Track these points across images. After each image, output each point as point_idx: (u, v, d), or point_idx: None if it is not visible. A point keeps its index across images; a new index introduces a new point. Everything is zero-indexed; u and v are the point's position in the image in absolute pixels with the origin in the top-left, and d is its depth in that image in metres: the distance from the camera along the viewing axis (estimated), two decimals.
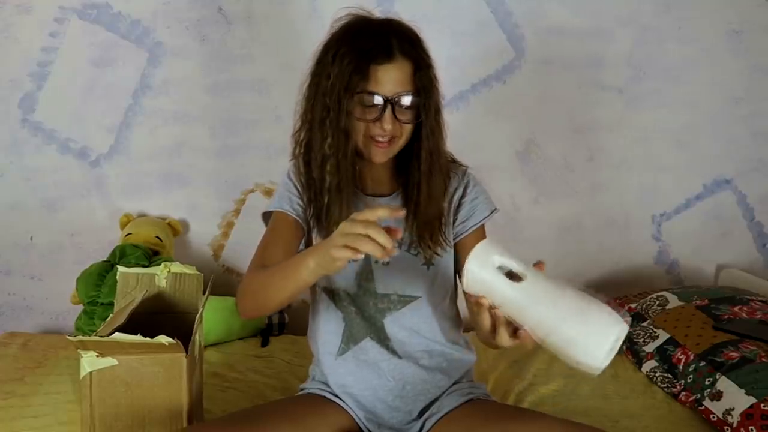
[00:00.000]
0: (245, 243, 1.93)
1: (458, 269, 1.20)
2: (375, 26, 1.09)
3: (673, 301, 1.74)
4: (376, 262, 1.14)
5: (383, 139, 1.08)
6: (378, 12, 1.13)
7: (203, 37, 1.88)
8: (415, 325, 1.16)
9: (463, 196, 1.21)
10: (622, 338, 0.80)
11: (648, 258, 2.12)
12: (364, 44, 1.05)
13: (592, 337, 0.79)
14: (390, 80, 1.05)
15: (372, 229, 0.83)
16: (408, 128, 1.09)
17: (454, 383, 1.20)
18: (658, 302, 1.75)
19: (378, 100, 1.05)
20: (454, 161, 1.23)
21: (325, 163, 1.09)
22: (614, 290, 1.99)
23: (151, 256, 1.80)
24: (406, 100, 1.06)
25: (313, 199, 1.14)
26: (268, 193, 1.96)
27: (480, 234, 1.20)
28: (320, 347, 1.20)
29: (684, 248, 2.11)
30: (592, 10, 1.94)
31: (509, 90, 1.96)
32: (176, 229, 1.94)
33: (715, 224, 2.10)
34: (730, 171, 2.08)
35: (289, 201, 1.15)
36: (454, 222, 1.20)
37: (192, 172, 1.96)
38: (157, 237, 1.85)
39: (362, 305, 1.15)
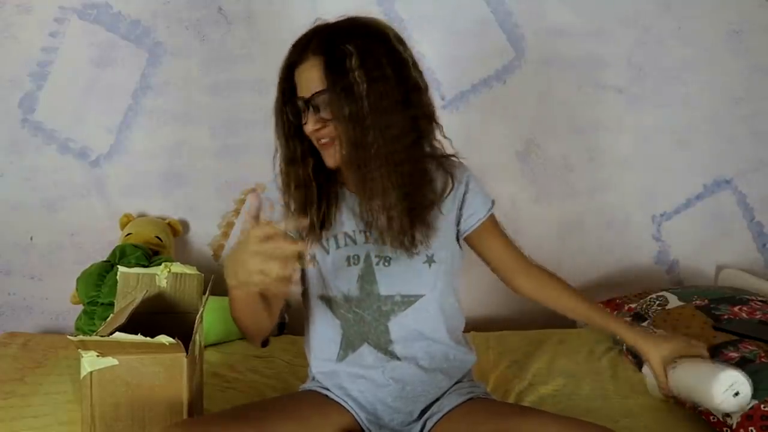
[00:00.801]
0: None
1: (483, 257, 1.29)
2: (308, 31, 1.09)
3: (673, 301, 1.73)
4: (377, 264, 1.14)
5: (323, 140, 1.07)
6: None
7: (203, 37, 1.88)
8: (419, 326, 1.15)
9: (466, 192, 1.21)
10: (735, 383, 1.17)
11: (648, 258, 2.12)
12: (291, 51, 1.08)
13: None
14: (305, 81, 1.05)
15: (263, 263, 0.84)
16: (343, 125, 1.03)
17: (455, 383, 1.20)
18: (658, 302, 1.75)
19: (300, 103, 1.07)
20: (445, 156, 1.20)
21: (286, 172, 1.12)
22: (614, 290, 1.99)
23: (151, 256, 1.80)
24: (319, 98, 1.04)
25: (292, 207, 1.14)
26: None
27: (492, 225, 1.24)
28: (318, 354, 1.20)
29: (684, 248, 2.11)
30: (592, 10, 1.94)
31: (509, 90, 1.96)
32: (176, 229, 1.94)
33: (715, 224, 2.10)
34: (730, 171, 2.08)
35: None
36: (459, 219, 1.20)
37: (192, 172, 1.96)
38: (157, 237, 1.85)
39: (365, 309, 1.15)
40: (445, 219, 1.18)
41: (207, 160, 1.95)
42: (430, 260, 1.15)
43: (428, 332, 1.16)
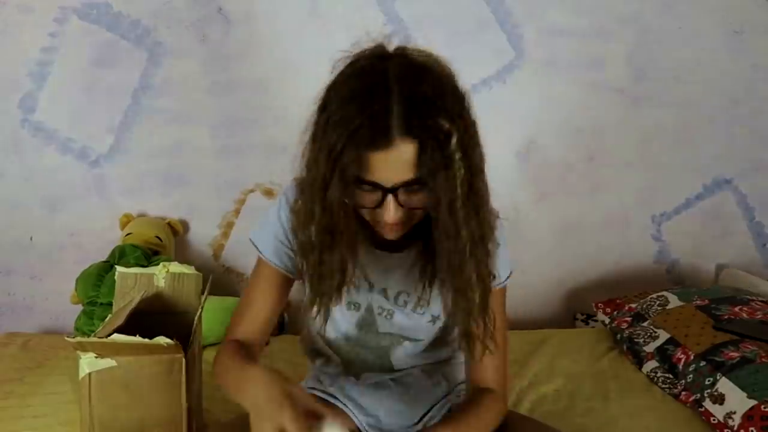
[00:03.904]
0: (245, 243, 1.91)
1: None
2: (373, 91, 0.83)
3: (674, 301, 1.73)
4: (379, 314, 1.08)
5: (392, 221, 0.89)
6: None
7: (203, 37, 1.88)
8: (419, 351, 1.13)
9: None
10: None
11: (648, 258, 2.12)
12: (355, 120, 0.82)
13: None
14: (388, 168, 0.84)
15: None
16: (438, 217, 0.87)
17: (457, 384, 1.20)
18: (658, 302, 1.75)
19: (377, 187, 0.86)
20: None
21: (319, 259, 0.94)
22: (614, 290, 1.99)
23: (150, 256, 1.80)
24: (411, 188, 0.86)
25: (302, 255, 0.97)
26: (269, 193, 1.96)
27: (500, 293, 1.10)
28: (318, 376, 1.18)
29: (684, 248, 2.11)
30: (592, 10, 1.94)
31: (509, 90, 1.96)
32: (176, 229, 1.94)
33: (715, 224, 2.10)
34: (730, 171, 2.07)
35: (275, 251, 1.04)
36: None
37: (192, 172, 1.96)
38: (157, 237, 1.85)
39: (363, 346, 1.12)
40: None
41: (207, 160, 1.95)
42: (435, 319, 1.09)
43: (431, 349, 1.15)
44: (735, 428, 1.29)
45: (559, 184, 2.04)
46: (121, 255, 1.76)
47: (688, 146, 2.04)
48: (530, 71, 1.96)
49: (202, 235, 2.00)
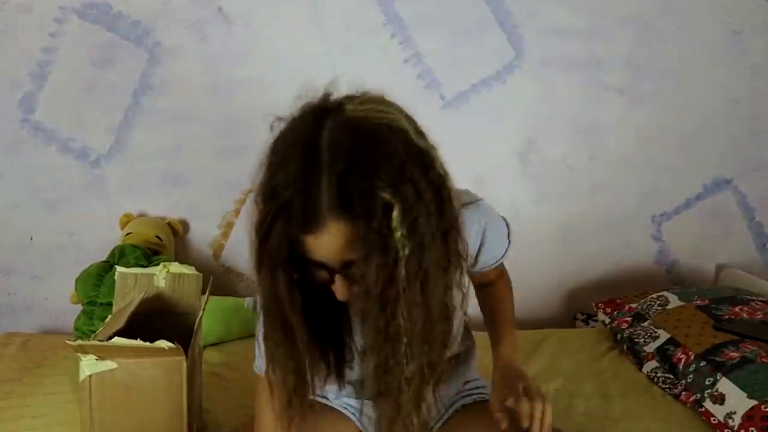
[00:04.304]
0: (245, 243, 1.92)
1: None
2: (303, 163, 0.72)
3: (674, 301, 1.73)
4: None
5: (346, 299, 0.79)
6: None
7: (203, 37, 1.88)
8: None
9: (482, 243, 1.00)
10: None
11: (648, 258, 2.12)
12: (284, 196, 0.73)
13: None
14: (328, 249, 0.74)
15: None
16: (373, 305, 0.75)
17: (466, 382, 1.19)
18: (658, 302, 1.75)
19: (322, 267, 0.76)
20: (465, 204, 0.93)
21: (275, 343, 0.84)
22: (614, 290, 1.98)
23: (150, 256, 1.80)
24: (351, 269, 0.75)
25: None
26: None
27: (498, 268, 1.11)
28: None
29: (684, 248, 2.11)
30: (592, 10, 1.94)
31: (509, 90, 1.96)
32: (176, 229, 1.94)
33: (715, 224, 2.10)
34: (730, 171, 2.07)
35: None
36: (475, 259, 1.03)
37: (192, 172, 1.96)
38: (157, 236, 1.85)
39: (360, 394, 1.10)
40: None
41: (207, 160, 1.95)
42: None
43: None
44: (735, 428, 1.29)
45: (559, 184, 2.04)
46: (120, 255, 1.76)
47: (688, 146, 2.04)
48: (530, 71, 1.96)
49: (202, 235, 2.00)
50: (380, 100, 0.78)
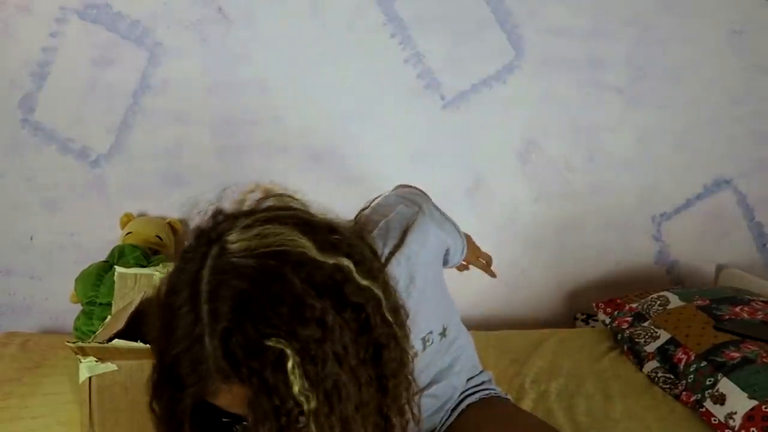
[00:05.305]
0: None
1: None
2: (184, 320, 0.64)
3: (674, 301, 1.73)
4: None
5: None
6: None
7: (203, 37, 1.88)
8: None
9: (423, 289, 0.91)
10: None
11: (648, 258, 2.11)
12: (170, 356, 0.64)
13: None
14: (233, 407, 0.66)
15: None
16: None
17: (467, 380, 1.19)
18: (659, 302, 1.75)
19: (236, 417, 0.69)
20: (391, 252, 0.87)
21: None
22: (614, 290, 1.98)
23: (150, 255, 1.80)
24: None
25: None
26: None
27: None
28: None
29: (684, 248, 2.11)
30: (592, 10, 1.94)
31: (509, 90, 1.96)
32: (176, 228, 1.94)
33: (715, 224, 2.10)
34: (730, 171, 2.07)
35: None
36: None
37: (192, 172, 1.96)
38: (158, 236, 1.85)
39: None
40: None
41: (207, 160, 1.95)
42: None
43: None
44: (736, 429, 1.29)
45: (558, 184, 2.04)
46: (120, 255, 1.75)
47: (688, 146, 2.04)
48: (530, 71, 1.96)
49: None
50: (272, 217, 0.69)
